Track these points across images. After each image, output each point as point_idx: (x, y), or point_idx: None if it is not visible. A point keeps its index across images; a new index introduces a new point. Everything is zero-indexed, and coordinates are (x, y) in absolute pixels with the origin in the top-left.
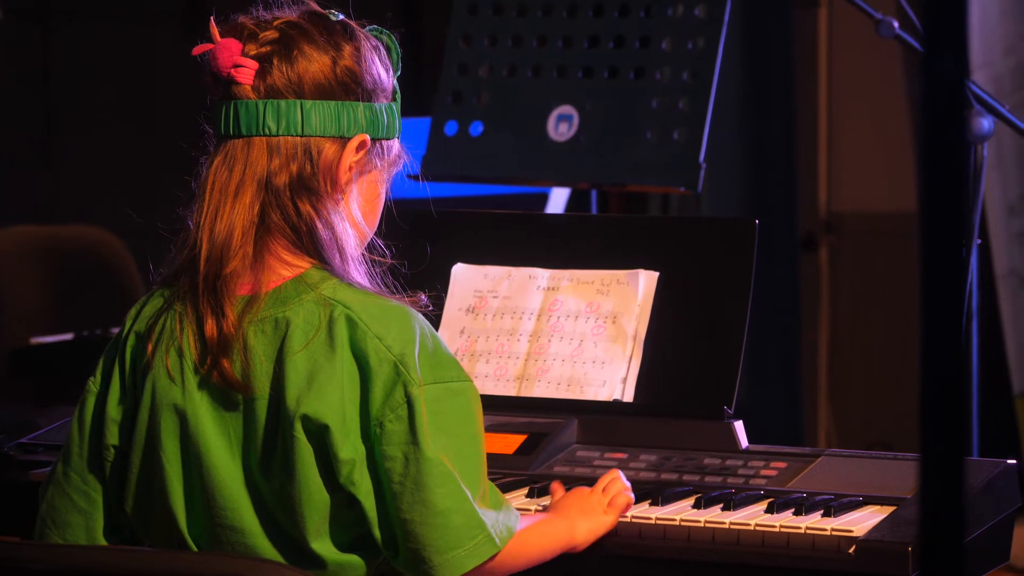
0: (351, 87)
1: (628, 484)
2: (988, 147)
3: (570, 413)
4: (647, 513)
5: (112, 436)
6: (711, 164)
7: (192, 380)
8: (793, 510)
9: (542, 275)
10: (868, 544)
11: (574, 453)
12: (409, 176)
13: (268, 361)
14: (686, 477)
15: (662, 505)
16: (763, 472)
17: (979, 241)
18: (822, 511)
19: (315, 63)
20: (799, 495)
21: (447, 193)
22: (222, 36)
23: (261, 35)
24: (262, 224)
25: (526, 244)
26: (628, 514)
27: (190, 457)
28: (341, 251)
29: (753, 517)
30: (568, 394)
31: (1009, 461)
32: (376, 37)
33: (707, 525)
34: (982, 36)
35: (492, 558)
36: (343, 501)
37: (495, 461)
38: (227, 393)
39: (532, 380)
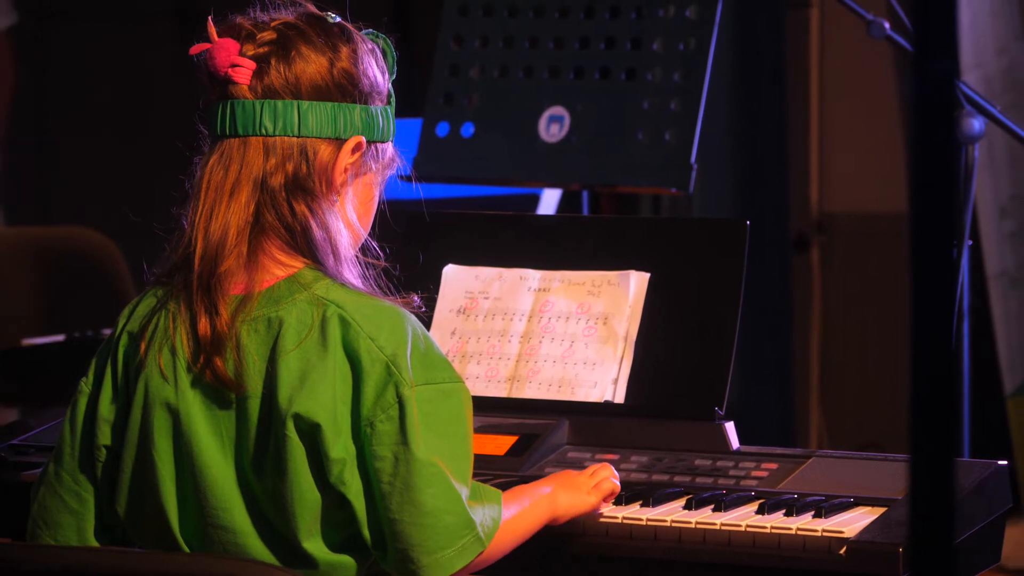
0: (348, 89)
1: (618, 476)
2: (979, 148)
3: (561, 414)
4: (638, 514)
5: (104, 436)
6: (702, 165)
7: (185, 379)
8: (784, 511)
9: (533, 276)
10: (859, 545)
11: (565, 454)
12: (400, 177)
13: (261, 360)
14: (677, 478)
15: (653, 506)
16: (754, 473)
17: (970, 242)
18: (813, 512)
19: (312, 64)
20: (790, 496)
21: (438, 194)
22: (219, 36)
23: (259, 36)
24: (256, 224)
25: (517, 245)
26: (619, 515)
27: (182, 456)
28: (335, 252)
29: (744, 518)
30: (559, 395)
31: (1000, 462)
32: (372, 40)
33: (698, 526)
34: (973, 37)
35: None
36: (334, 501)
37: (486, 462)
38: (220, 392)
39: (523, 381)
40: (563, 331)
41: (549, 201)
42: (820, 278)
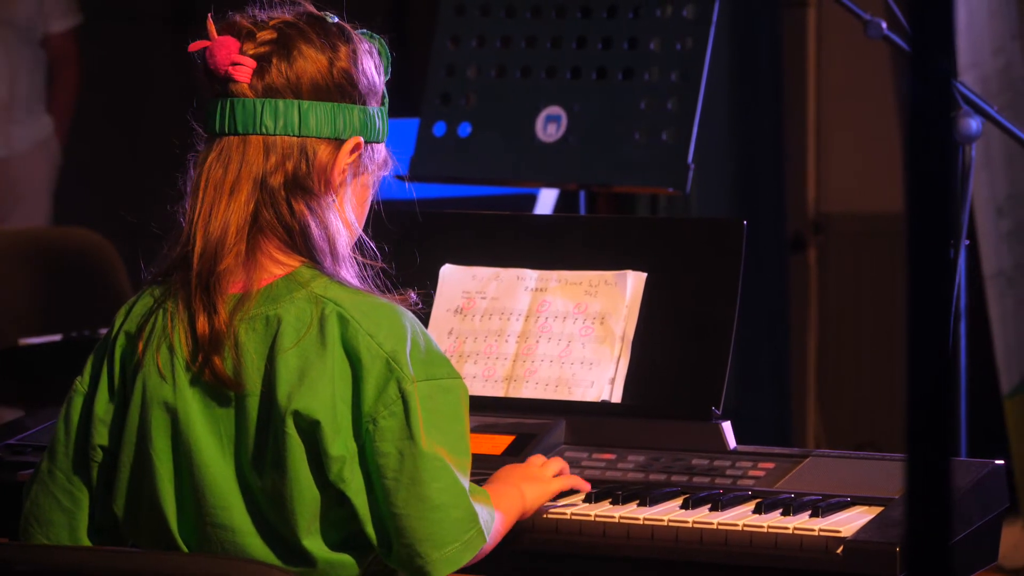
0: (347, 89)
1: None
2: (976, 148)
3: (558, 414)
4: (635, 514)
5: (100, 437)
6: (699, 165)
7: (183, 378)
8: (781, 511)
9: (530, 276)
10: (856, 544)
11: (562, 454)
12: (397, 177)
13: (259, 358)
14: (674, 478)
15: (650, 506)
16: (751, 473)
17: (967, 242)
18: (810, 512)
19: (313, 64)
20: (787, 496)
21: (435, 194)
22: (219, 34)
23: (259, 34)
24: (255, 222)
25: (514, 245)
26: (616, 514)
27: (181, 456)
28: (333, 251)
29: (741, 518)
30: (556, 395)
31: (997, 462)
32: (367, 40)
33: (695, 526)
34: (971, 37)
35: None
36: (333, 499)
37: (483, 462)
38: (218, 390)
39: (520, 381)
40: (560, 331)
41: (546, 201)
42: (817, 278)
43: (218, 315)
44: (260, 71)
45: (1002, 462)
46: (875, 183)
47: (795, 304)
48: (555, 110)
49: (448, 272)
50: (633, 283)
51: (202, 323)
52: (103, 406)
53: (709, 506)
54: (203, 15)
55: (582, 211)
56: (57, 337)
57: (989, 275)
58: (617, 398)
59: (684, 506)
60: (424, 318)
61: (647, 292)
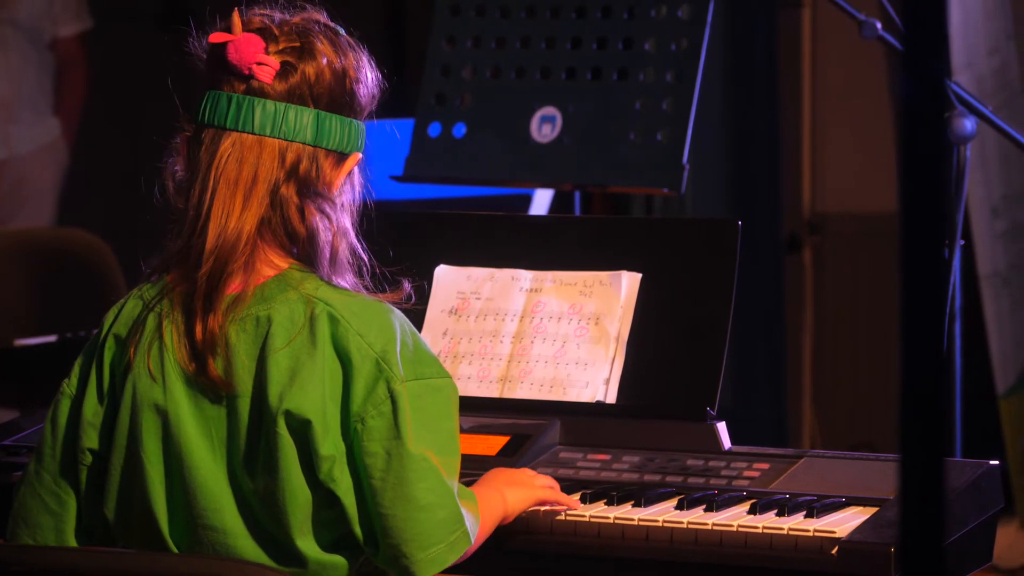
0: (354, 104)
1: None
2: (971, 148)
3: (553, 414)
4: (630, 514)
5: (89, 440)
6: (694, 165)
7: (174, 379)
8: (776, 511)
9: (525, 276)
10: (850, 545)
11: (557, 454)
12: (392, 177)
13: (250, 359)
14: (669, 478)
15: (645, 506)
16: (746, 473)
17: (962, 242)
18: (805, 512)
19: (331, 75)
20: (782, 496)
21: (430, 195)
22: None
23: (281, 38)
24: (260, 226)
25: (509, 245)
26: (611, 515)
27: (171, 458)
28: (334, 257)
29: (736, 518)
30: (551, 395)
31: (992, 462)
32: (365, 52)
33: (690, 526)
34: (965, 37)
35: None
36: (324, 499)
37: (478, 463)
38: (209, 392)
39: (515, 381)
40: (555, 331)
41: (541, 201)
42: (813, 278)
43: (215, 316)
44: (284, 74)
45: (997, 462)
46: (871, 183)
47: (791, 304)
48: (550, 110)
49: (443, 273)
50: (628, 283)
51: (201, 324)
52: (92, 409)
53: (704, 507)
54: (199, 16)
55: (577, 211)
56: (53, 338)
57: (984, 275)
58: (612, 399)
59: (679, 507)
60: (419, 318)
61: (642, 292)
